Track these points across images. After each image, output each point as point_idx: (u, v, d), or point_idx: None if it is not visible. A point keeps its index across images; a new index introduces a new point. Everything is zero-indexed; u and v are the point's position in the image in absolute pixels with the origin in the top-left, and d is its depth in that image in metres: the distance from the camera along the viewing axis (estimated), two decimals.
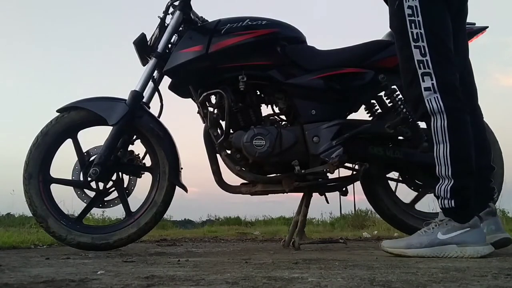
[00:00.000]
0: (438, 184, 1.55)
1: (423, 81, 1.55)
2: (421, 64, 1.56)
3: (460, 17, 1.75)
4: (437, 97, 1.53)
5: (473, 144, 1.56)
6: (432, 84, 1.54)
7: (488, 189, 1.75)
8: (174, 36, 2.13)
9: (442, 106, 1.53)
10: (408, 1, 1.58)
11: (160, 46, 2.09)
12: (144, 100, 2.09)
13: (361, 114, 2.17)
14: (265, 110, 2.17)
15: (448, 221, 1.51)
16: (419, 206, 2.22)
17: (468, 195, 1.53)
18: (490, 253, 1.49)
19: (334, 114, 2.02)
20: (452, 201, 1.51)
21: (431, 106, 1.54)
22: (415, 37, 1.57)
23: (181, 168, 2.11)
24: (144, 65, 2.15)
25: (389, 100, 2.08)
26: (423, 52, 1.56)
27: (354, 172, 2.11)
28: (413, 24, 1.57)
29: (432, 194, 1.69)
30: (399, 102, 2.01)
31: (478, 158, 1.62)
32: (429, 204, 2.37)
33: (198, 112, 2.17)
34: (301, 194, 2.15)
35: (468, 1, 1.77)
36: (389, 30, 1.95)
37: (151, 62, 2.09)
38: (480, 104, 1.86)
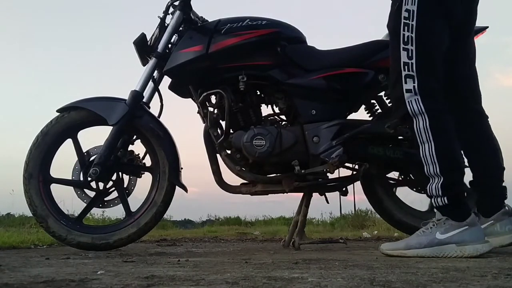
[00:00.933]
0: (429, 184, 1.56)
1: (405, 82, 1.57)
2: (406, 66, 1.57)
3: (467, 23, 1.75)
4: (417, 99, 1.55)
5: (457, 142, 1.58)
6: (414, 86, 1.56)
7: (501, 189, 1.76)
8: (174, 36, 2.14)
9: (423, 107, 1.54)
10: (407, 5, 1.59)
11: (160, 46, 2.09)
12: (144, 100, 2.10)
13: (361, 114, 2.18)
14: (265, 110, 2.17)
15: (446, 220, 1.51)
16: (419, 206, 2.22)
17: (460, 190, 1.54)
18: (490, 253, 1.49)
19: (334, 114, 2.02)
20: (445, 198, 1.52)
21: (411, 107, 1.56)
22: (405, 40, 1.58)
23: (181, 168, 2.11)
24: (144, 65, 2.15)
25: (389, 100, 2.08)
26: (409, 55, 1.57)
27: (354, 172, 2.11)
28: (406, 27, 1.58)
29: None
30: None
31: (488, 159, 1.62)
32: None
33: (198, 112, 2.17)
34: (301, 194, 2.15)
35: (477, 7, 1.75)
36: None
37: (151, 62, 2.09)
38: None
